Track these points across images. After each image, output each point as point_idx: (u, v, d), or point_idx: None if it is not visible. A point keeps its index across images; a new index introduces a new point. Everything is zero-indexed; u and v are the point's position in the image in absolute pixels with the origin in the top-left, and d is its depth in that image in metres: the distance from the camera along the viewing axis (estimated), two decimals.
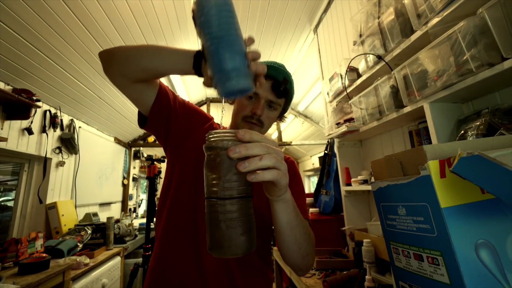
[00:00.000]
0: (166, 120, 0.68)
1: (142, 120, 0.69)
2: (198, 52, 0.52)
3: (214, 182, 0.36)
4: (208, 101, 4.14)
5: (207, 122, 0.77)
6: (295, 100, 4.10)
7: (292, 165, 0.78)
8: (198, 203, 0.65)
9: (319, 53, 2.19)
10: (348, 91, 1.37)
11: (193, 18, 0.43)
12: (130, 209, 4.03)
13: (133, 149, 4.32)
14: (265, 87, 0.67)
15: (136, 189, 4.60)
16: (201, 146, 0.63)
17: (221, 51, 0.39)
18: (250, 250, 0.37)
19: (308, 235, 0.55)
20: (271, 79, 0.67)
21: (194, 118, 0.74)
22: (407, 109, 0.96)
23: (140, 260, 2.28)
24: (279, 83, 0.67)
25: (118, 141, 3.76)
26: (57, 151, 2.46)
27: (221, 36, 0.40)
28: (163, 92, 0.67)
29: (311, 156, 5.92)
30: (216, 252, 0.36)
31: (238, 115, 0.71)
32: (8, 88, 1.90)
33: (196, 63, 0.51)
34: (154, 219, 0.79)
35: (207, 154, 0.38)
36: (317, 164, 5.29)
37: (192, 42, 2.60)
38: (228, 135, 0.36)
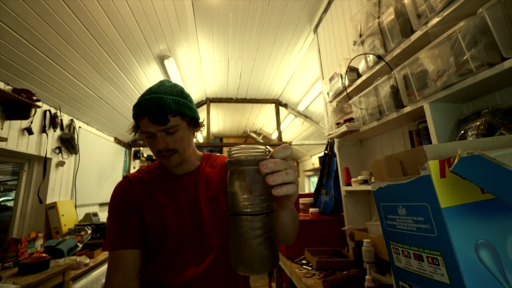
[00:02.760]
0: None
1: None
2: None
3: (242, 198, 0.36)
4: (208, 101, 4.14)
5: (133, 192, 0.75)
6: (295, 100, 4.11)
7: None
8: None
9: (319, 53, 2.19)
10: (348, 91, 1.37)
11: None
12: None
13: (133, 149, 4.32)
14: (147, 123, 0.68)
15: None
16: (147, 209, 0.71)
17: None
18: (275, 266, 0.37)
19: (296, 216, 0.63)
20: (146, 114, 0.68)
21: (126, 213, 0.73)
22: (407, 109, 0.96)
23: None
24: (153, 114, 0.67)
25: (118, 141, 3.76)
26: (57, 151, 2.46)
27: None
28: (129, 244, 0.69)
29: (311, 156, 5.93)
30: (245, 269, 0.35)
31: (153, 154, 0.74)
32: (8, 88, 1.90)
33: None
34: None
35: (233, 170, 0.37)
36: (317, 164, 5.29)
37: (192, 42, 2.60)
38: (256, 151, 0.37)
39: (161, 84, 0.74)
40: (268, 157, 0.38)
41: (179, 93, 0.73)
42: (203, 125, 0.82)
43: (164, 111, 0.68)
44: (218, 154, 0.88)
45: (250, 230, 0.35)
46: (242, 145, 0.37)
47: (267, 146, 0.40)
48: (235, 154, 0.37)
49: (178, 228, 0.71)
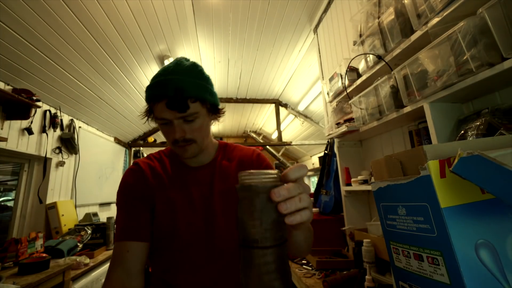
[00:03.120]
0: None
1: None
2: None
3: (253, 228, 0.33)
4: None
5: (144, 181, 0.70)
6: (295, 100, 4.11)
7: (262, 158, 0.78)
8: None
9: (319, 53, 2.19)
10: (348, 91, 1.37)
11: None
12: None
13: (133, 149, 4.32)
14: (163, 109, 0.61)
15: None
16: (156, 202, 0.65)
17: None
18: None
19: (311, 230, 0.59)
20: (163, 98, 0.60)
21: (136, 200, 0.69)
22: (407, 109, 0.96)
23: None
24: (172, 100, 0.59)
25: (118, 141, 3.76)
26: (57, 151, 2.46)
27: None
28: (138, 234, 0.65)
29: (311, 156, 5.93)
30: None
31: (168, 142, 0.68)
32: (8, 88, 1.90)
33: None
34: None
35: (243, 196, 0.35)
36: (317, 164, 5.29)
37: (192, 42, 2.60)
38: (268, 177, 0.34)
39: (179, 62, 0.64)
40: (280, 182, 0.35)
41: (199, 75, 0.64)
42: (224, 113, 0.73)
43: (183, 96, 0.59)
44: (234, 144, 0.82)
45: (262, 265, 0.33)
46: (253, 171, 0.35)
47: (280, 168, 0.38)
48: (245, 179, 0.35)
49: (189, 226, 0.66)
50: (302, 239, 0.53)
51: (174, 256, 0.66)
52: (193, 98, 0.61)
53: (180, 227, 0.66)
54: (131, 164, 0.75)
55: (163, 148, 0.81)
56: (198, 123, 0.65)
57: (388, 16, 1.01)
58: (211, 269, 0.65)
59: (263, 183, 0.34)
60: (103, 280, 1.98)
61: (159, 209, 0.67)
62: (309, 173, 6.20)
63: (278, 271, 0.33)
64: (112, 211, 3.52)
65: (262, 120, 5.44)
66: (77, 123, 2.77)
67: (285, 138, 5.39)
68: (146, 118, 0.68)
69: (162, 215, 0.67)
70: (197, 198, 0.69)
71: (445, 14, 0.76)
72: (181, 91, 0.59)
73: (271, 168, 0.76)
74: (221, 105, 0.72)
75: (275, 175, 0.35)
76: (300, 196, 0.34)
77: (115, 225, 0.69)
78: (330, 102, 1.65)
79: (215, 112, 0.70)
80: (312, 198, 0.44)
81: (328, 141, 1.82)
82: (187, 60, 0.67)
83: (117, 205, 0.70)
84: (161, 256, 0.68)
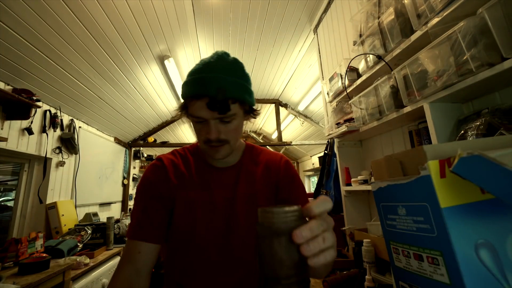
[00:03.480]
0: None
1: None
2: None
3: (275, 270, 0.32)
4: None
5: (164, 178, 0.68)
6: (295, 100, 4.11)
7: (290, 167, 0.75)
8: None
9: (319, 53, 2.19)
10: (348, 91, 1.37)
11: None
12: (130, 209, 4.03)
13: (133, 149, 4.32)
14: (202, 107, 0.58)
15: None
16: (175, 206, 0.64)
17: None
18: None
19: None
20: (203, 96, 0.56)
21: (156, 199, 0.67)
22: (407, 109, 0.96)
23: None
24: (214, 100, 0.56)
25: (118, 141, 3.76)
26: (57, 151, 2.46)
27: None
28: (151, 236, 0.63)
29: (311, 156, 5.93)
30: None
31: (199, 140, 0.65)
32: (8, 88, 1.90)
33: None
34: None
35: (264, 235, 0.33)
36: (317, 164, 5.29)
37: (192, 42, 2.60)
38: (290, 215, 0.32)
39: (220, 58, 0.60)
40: (301, 220, 0.33)
41: (241, 74, 0.61)
42: (259, 113, 0.70)
43: (225, 97, 0.56)
44: (261, 148, 0.79)
45: None
46: (274, 208, 0.33)
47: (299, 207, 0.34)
48: (266, 218, 0.33)
49: (208, 230, 0.64)
50: (323, 270, 0.50)
51: (191, 260, 0.64)
52: (234, 99, 0.58)
53: (199, 229, 0.64)
54: (154, 159, 0.74)
55: (192, 143, 0.77)
56: (234, 125, 0.62)
57: (388, 16, 1.01)
58: (228, 279, 0.63)
59: (285, 223, 0.32)
60: (103, 280, 1.98)
61: (179, 209, 0.66)
62: (309, 173, 6.21)
63: None
64: (112, 211, 3.53)
65: (262, 120, 5.44)
66: (77, 123, 2.77)
67: (285, 138, 5.39)
68: (180, 113, 0.65)
69: (181, 215, 0.65)
70: (219, 201, 0.67)
71: (445, 14, 0.76)
72: (223, 91, 0.56)
73: (298, 178, 0.74)
74: (256, 105, 0.70)
75: (297, 213, 0.33)
76: (324, 236, 0.32)
77: (129, 219, 0.68)
78: (330, 102, 1.65)
79: (250, 112, 0.67)
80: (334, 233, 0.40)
81: (328, 141, 1.82)
82: (227, 54, 0.62)
83: (135, 199, 0.69)
84: (178, 259, 0.66)
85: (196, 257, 0.64)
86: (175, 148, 0.81)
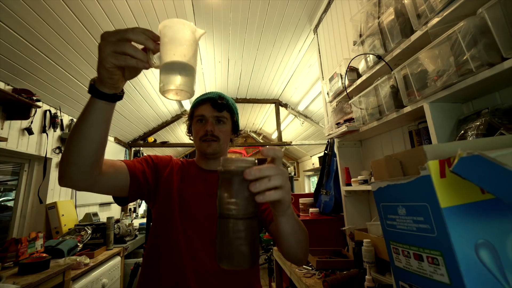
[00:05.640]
0: (145, 191, 0.75)
1: (122, 200, 0.74)
2: (93, 81, 0.49)
3: (228, 203, 0.39)
4: None
5: (168, 165, 0.85)
6: (295, 100, 4.11)
7: None
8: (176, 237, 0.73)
9: (319, 53, 2.19)
10: (348, 91, 1.37)
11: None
12: (130, 209, 4.03)
13: (133, 149, 4.31)
14: (205, 108, 0.82)
15: None
16: (168, 190, 0.78)
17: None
18: (254, 265, 0.41)
19: (304, 230, 0.60)
20: (209, 100, 0.82)
21: (160, 169, 0.82)
22: (407, 109, 0.96)
23: (140, 260, 2.28)
24: (216, 100, 0.81)
25: (118, 141, 3.76)
26: (57, 151, 2.46)
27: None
28: (133, 166, 0.73)
29: (311, 156, 5.93)
30: (226, 264, 0.40)
31: (197, 138, 0.83)
32: (8, 88, 1.90)
33: (95, 91, 0.48)
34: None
35: (222, 177, 0.41)
36: (317, 164, 5.29)
37: None
38: (245, 162, 0.40)
39: (220, 92, 0.88)
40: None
41: (233, 101, 0.90)
42: (240, 135, 0.95)
43: (224, 102, 0.82)
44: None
45: (233, 233, 0.39)
46: (233, 157, 0.41)
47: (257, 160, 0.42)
48: (225, 164, 0.40)
49: (191, 209, 0.76)
50: (289, 230, 0.52)
51: (176, 235, 0.73)
52: (228, 107, 0.84)
53: (183, 207, 0.76)
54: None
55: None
56: (225, 127, 0.85)
57: (388, 16, 1.01)
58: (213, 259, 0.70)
59: (240, 167, 0.39)
60: (103, 280, 1.98)
61: (162, 196, 0.78)
62: (309, 173, 6.21)
63: (246, 239, 0.39)
64: (112, 211, 3.52)
65: (262, 120, 5.44)
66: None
67: (285, 138, 5.39)
68: (188, 120, 0.89)
69: (166, 195, 0.77)
70: (202, 193, 0.79)
71: (445, 14, 0.76)
72: (223, 98, 0.84)
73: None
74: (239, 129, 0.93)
75: (252, 161, 0.40)
76: (271, 177, 0.38)
77: None
78: (330, 102, 1.65)
79: (235, 131, 0.90)
80: (289, 181, 0.46)
81: (328, 141, 1.82)
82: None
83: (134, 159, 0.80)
84: (162, 235, 0.75)
85: (179, 231, 0.73)
86: (174, 148, 0.91)
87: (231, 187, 0.39)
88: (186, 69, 0.45)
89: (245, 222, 0.39)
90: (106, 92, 0.48)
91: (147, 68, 0.46)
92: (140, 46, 0.46)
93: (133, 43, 0.45)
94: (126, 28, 0.44)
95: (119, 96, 0.51)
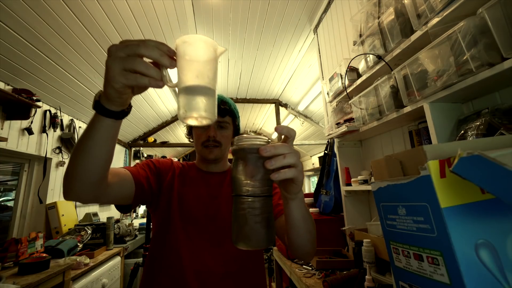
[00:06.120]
0: (149, 198, 0.75)
1: (125, 208, 0.72)
2: (98, 97, 0.44)
3: (244, 181, 0.40)
4: None
5: (169, 169, 0.83)
6: (295, 100, 4.11)
7: None
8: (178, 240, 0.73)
9: (319, 53, 2.19)
10: (348, 91, 1.37)
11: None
12: None
13: (133, 149, 4.32)
14: None
15: None
16: (170, 194, 0.77)
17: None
18: (271, 244, 0.41)
19: (313, 220, 0.58)
20: None
21: (162, 174, 0.81)
22: (407, 109, 0.96)
23: (140, 260, 2.28)
24: (218, 106, 0.78)
25: (118, 141, 3.75)
26: (57, 151, 2.46)
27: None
28: (137, 174, 0.71)
29: (311, 156, 5.92)
30: (243, 244, 0.40)
31: (198, 143, 0.82)
32: (8, 88, 1.90)
33: (102, 109, 0.44)
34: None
35: (237, 156, 0.41)
36: (317, 164, 5.29)
37: None
38: (259, 140, 0.41)
39: (222, 95, 0.86)
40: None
41: (235, 105, 0.89)
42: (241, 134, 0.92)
43: (226, 107, 0.81)
44: None
45: (249, 210, 0.39)
46: (247, 135, 0.41)
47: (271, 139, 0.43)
48: (239, 142, 0.41)
49: (193, 212, 0.76)
50: (299, 216, 0.51)
51: (176, 238, 0.73)
52: (230, 112, 0.83)
53: (185, 209, 0.75)
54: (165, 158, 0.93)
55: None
56: (227, 132, 0.84)
57: (388, 16, 1.01)
58: (217, 265, 0.71)
59: (254, 145, 0.39)
60: (103, 280, 1.98)
61: (164, 200, 0.77)
62: (309, 173, 6.20)
63: (263, 217, 0.39)
64: (112, 211, 3.52)
65: (262, 120, 5.43)
66: (77, 123, 2.77)
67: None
68: (189, 130, 0.90)
69: (168, 200, 0.77)
70: (204, 195, 0.79)
71: (445, 14, 0.76)
72: (225, 103, 0.82)
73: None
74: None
75: (266, 140, 0.41)
76: (286, 154, 0.38)
77: None
78: (330, 102, 1.65)
79: (236, 134, 0.89)
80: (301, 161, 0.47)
81: (328, 141, 1.82)
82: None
83: (136, 164, 0.79)
84: (159, 243, 0.75)
85: (182, 232, 0.73)
86: (174, 148, 0.91)
87: (246, 165, 0.39)
88: (209, 94, 0.41)
89: (262, 200, 0.39)
90: (113, 110, 0.44)
91: (161, 87, 0.40)
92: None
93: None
94: (136, 41, 0.39)
95: (126, 112, 0.47)
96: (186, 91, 0.40)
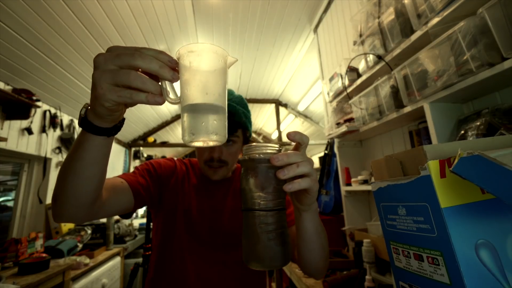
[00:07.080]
0: (149, 204, 0.69)
1: (124, 216, 0.67)
2: (85, 110, 0.37)
3: (255, 194, 0.36)
4: None
5: (173, 174, 0.76)
6: (295, 100, 4.11)
7: None
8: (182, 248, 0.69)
9: (319, 53, 2.19)
10: (348, 91, 1.37)
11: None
12: None
13: (133, 149, 4.32)
14: None
15: None
16: (173, 206, 0.71)
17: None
18: (287, 263, 0.37)
19: (326, 235, 0.54)
20: None
21: (164, 180, 0.73)
22: (407, 109, 0.96)
23: (140, 260, 2.27)
24: (228, 120, 0.64)
25: (118, 141, 3.76)
26: (57, 151, 2.46)
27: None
28: (135, 183, 0.63)
29: (311, 156, 5.92)
30: (255, 264, 0.35)
31: (200, 160, 0.72)
32: (8, 88, 1.90)
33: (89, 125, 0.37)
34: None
35: (246, 167, 0.37)
36: (317, 164, 5.29)
37: (191, 42, 2.60)
38: (270, 149, 0.37)
39: (229, 92, 0.70)
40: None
41: (245, 106, 0.73)
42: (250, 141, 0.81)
43: (235, 121, 0.67)
44: None
45: (262, 225, 0.35)
46: (256, 143, 0.38)
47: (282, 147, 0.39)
48: (248, 151, 0.37)
49: (197, 227, 0.70)
50: (313, 230, 0.46)
51: (182, 256, 0.69)
52: (239, 125, 0.69)
53: (186, 222, 0.70)
54: (166, 158, 0.82)
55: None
56: (234, 148, 0.71)
57: (388, 16, 1.01)
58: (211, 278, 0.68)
59: (264, 153, 0.36)
60: (103, 280, 1.98)
61: (167, 209, 0.72)
62: None
63: (277, 233, 0.35)
64: None
65: (262, 120, 5.44)
66: (77, 123, 2.77)
67: (285, 138, 5.39)
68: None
69: (170, 209, 0.71)
70: (206, 208, 0.72)
71: (445, 14, 0.76)
72: (233, 115, 0.67)
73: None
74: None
75: (277, 148, 0.37)
76: (299, 163, 0.35)
77: None
78: (330, 102, 1.65)
79: (247, 141, 0.76)
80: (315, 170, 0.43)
81: (328, 141, 1.82)
82: (233, 91, 0.74)
83: (135, 167, 0.72)
84: (163, 256, 0.70)
85: (180, 252, 0.68)
86: (174, 148, 0.86)
87: (257, 176, 0.36)
88: (219, 113, 0.35)
89: (275, 214, 0.36)
90: (104, 126, 0.37)
91: (160, 104, 0.34)
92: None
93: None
94: (130, 49, 0.33)
95: (119, 126, 0.40)
96: (192, 110, 0.34)
